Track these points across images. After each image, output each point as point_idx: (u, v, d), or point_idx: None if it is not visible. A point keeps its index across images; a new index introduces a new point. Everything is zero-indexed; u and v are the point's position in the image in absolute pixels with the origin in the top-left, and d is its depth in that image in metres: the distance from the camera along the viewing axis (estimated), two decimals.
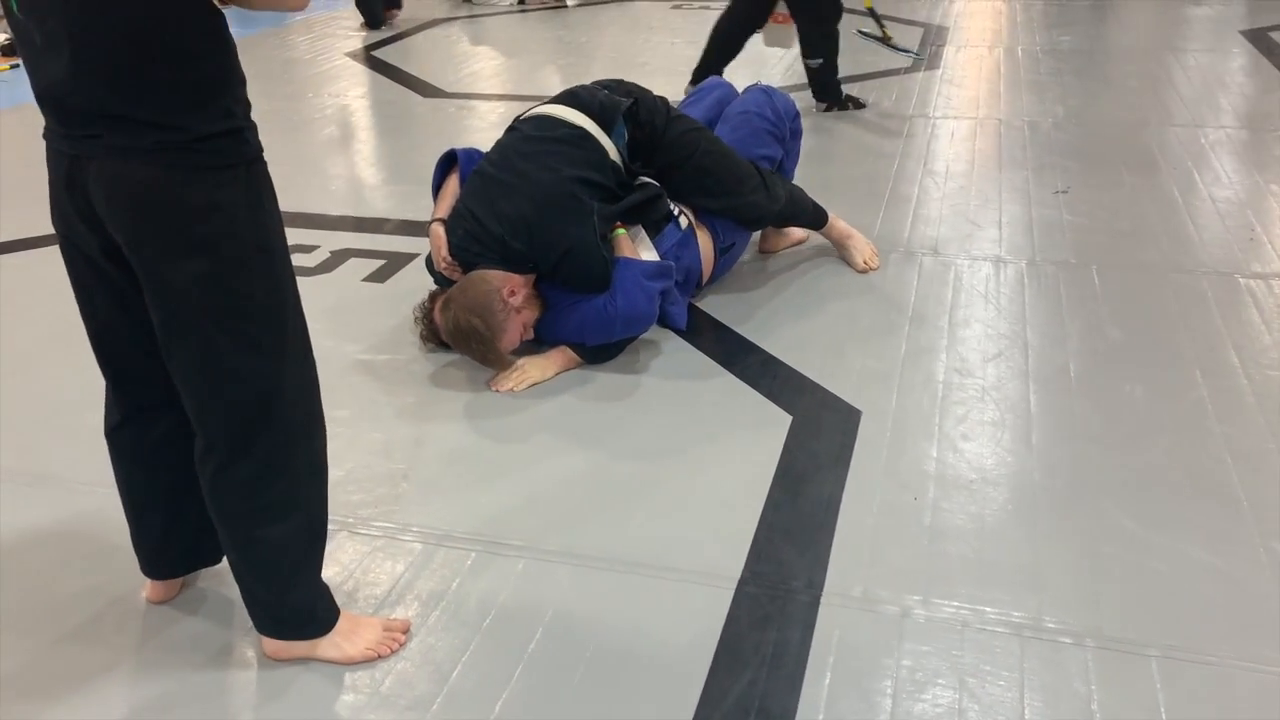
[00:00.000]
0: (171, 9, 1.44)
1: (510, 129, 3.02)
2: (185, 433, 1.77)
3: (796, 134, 3.39)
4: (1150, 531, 2.11)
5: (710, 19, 5.27)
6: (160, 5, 1.44)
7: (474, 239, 2.79)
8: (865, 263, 3.29)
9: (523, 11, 7.83)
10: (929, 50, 6.10)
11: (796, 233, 3.43)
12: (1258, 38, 6.10)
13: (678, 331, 2.95)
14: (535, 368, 2.75)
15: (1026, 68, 5.65)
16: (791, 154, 3.41)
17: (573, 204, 2.77)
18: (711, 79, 3.62)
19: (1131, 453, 2.37)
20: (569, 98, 3.00)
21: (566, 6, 7.90)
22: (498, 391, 2.71)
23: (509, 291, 2.70)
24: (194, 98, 1.49)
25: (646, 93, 3.04)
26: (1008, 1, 7.40)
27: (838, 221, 3.34)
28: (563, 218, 2.75)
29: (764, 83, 3.47)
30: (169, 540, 1.93)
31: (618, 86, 3.04)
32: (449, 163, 3.07)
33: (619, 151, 2.91)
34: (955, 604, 1.94)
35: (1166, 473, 2.30)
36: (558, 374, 2.77)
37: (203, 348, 1.61)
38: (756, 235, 3.39)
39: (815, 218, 3.29)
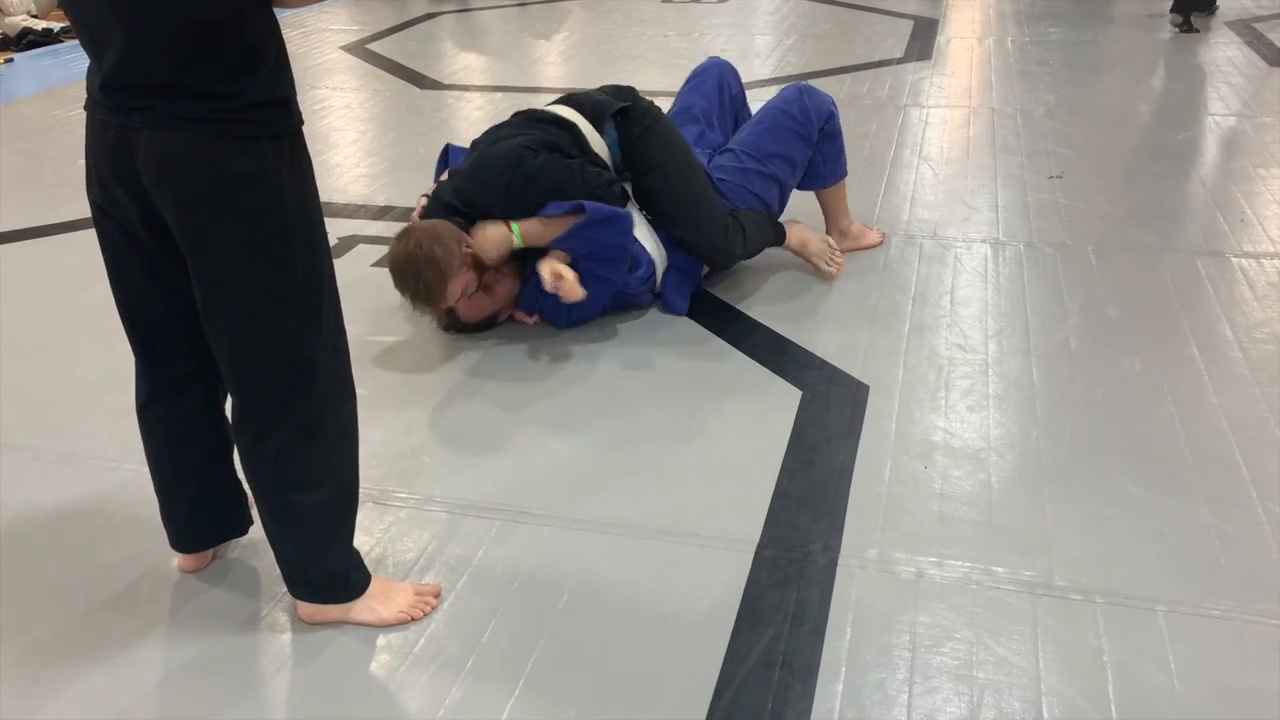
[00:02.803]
0: None
1: (513, 119, 3.09)
2: (214, 407, 1.82)
3: (830, 136, 3.25)
4: (1153, 495, 2.18)
5: (701, 13, 5.32)
6: None
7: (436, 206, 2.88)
8: (828, 265, 3.20)
9: (502, 6, 7.86)
10: (919, 42, 6.17)
11: (861, 233, 3.43)
12: (1243, 28, 6.19)
13: (679, 314, 3.01)
14: (558, 260, 2.74)
15: (1017, 58, 5.73)
16: (827, 157, 3.26)
17: (517, 151, 2.81)
18: (710, 59, 3.64)
19: (1133, 422, 2.44)
20: (565, 98, 3.06)
21: None
22: (566, 297, 2.71)
23: (466, 244, 2.73)
24: (246, 64, 1.54)
25: (643, 101, 3.06)
26: None
27: (792, 232, 3.23)
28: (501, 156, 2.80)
29: (805, 84, 3.34)
30: (198, 513, 1.97)
31: (618, 92, 3.08)
32: (446, 156, 3.17)
33: (609, 149, 2.96)
34: (968, 564, 2.01)
35: (1167, 440, 2.37)
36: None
37: (244, 313, 1.66)
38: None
39: (775, 241, 3.23)
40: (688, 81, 3.56)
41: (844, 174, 3.33)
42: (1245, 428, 2.39)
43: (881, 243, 3.43)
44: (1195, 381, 2.58)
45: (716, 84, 3.44)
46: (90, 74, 1.61)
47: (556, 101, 3.07)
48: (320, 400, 1.75)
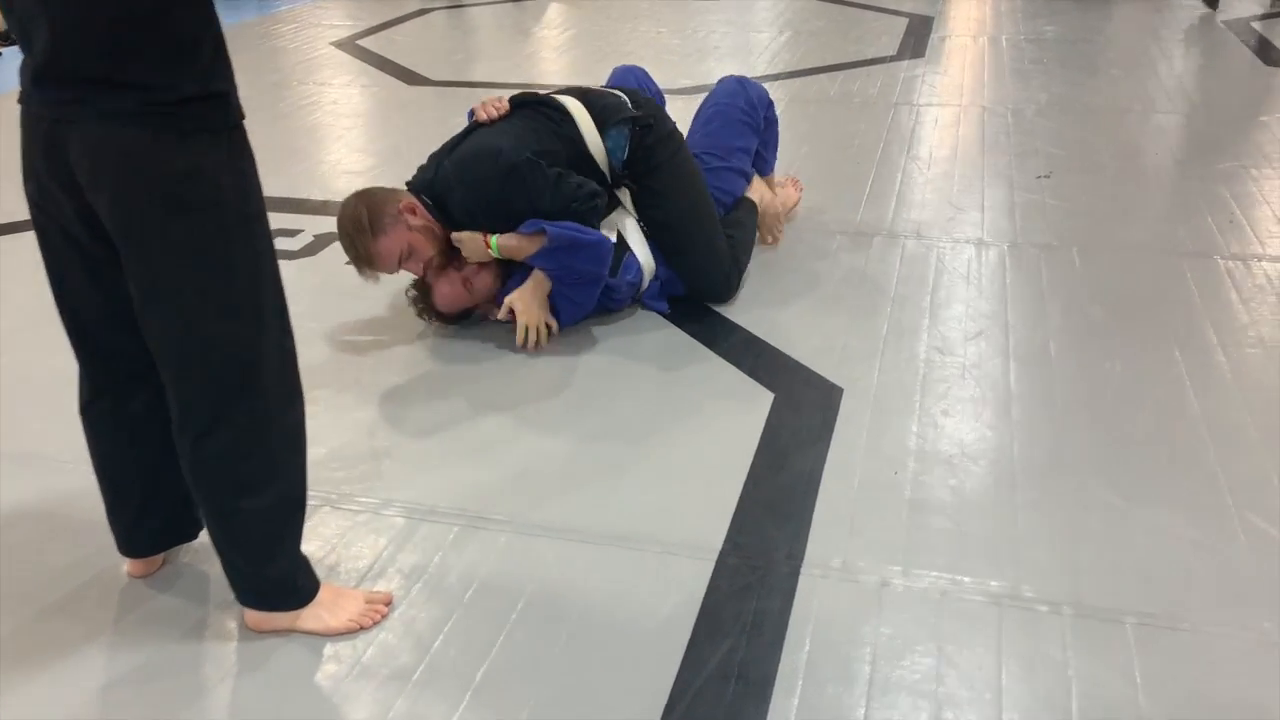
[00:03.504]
0: None
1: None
2: (159, 408, 1.77)
3: (772, 122, 3.42)
4: (1128, 503, 2.13)
5: (695, 9, 5.27)
6: None
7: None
8: (770, 237, 3.33)
9: (497, 2, 7.80)
10: (913, 39, 6.11)
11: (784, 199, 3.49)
12: (1239, 27, 6.13)
13: (661, 313, 2.96)
14: (532, 308, 2.75)
15: (1011, 56, 5.67)
16: (770, 143, 3.43)
17: (504, 145, 2.77)
18: (621, 66, 3.57)
19: (1111, 427, 2.39)
20: (576, 90, 3.01)
21: None
22: (529, 351, 2.76)
23: (407, 206, 2.74)
24: (179, 56, 1.49)
25: (668, 124, 3.01)
26: None
27: (751, 189, 3.28)
28: (487, 155, 2.76)
29: (737, 74, 3.46)
30: (145, 518, 1.93)
31: (637, 102, 3.01)
32: None
33: (607, 153, 2.89)
34: (934, 574, 1.96)
35: (1145, 447, 2.32)
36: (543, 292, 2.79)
37: (182, 314, 1.61)
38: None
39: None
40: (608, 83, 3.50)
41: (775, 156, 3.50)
42: (1224, 435, 2.34)
43: (800, 196, 3.59)
44: (1176, 386, 2.53)
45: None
46: (23, 67, 1.56)
47: (566, 91, 3.01)
48: (264, 403, 1.70)
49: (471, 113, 3.08)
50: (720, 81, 3.42)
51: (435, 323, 2.93)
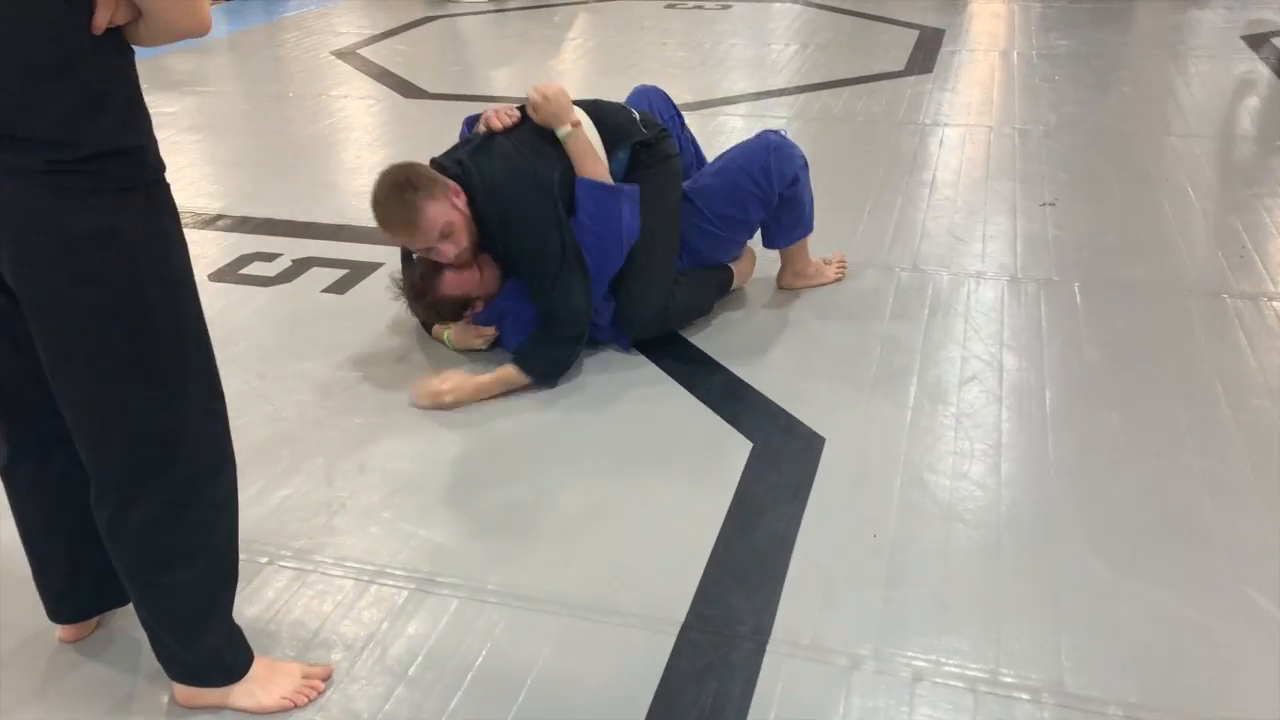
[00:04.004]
0: (55, 24, 1.34)
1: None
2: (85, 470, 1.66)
3: (791, 202, 2.96)
4: (1119, 575, 2.00)
5: (702, 20, 5.16)
6: (42, 21, 1.33)
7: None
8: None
9: (500, 11, 7.70)
10: (922, 54, 5.98)
11: (817, 272, 3.22)
12: (1259, 43, 5.96)
13: (623, 348, 2.86)
14: (464, 388, 2.64)
15: (1021, 72, 5.53)
16: (784, 224, 3.01)
17: (536, 182, 2.69)
18: (640, 87, 3.39)
19: (1104, 486, 2.26)
20: (589, 104, 2.89)
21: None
22: (415, 403, 2.64)
23: (455, 189, 2.65)
24: (85, 110, 1.38)
25: (667, 145, 2.90)
26: (1006, 3, 7.28)
27: (738, 274, 3.12)
28: (524, 191, 2.68)
29: (782, 133, 3.02)
30: (73, 582, 1.83)
31: (647, 122, 2.92)
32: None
33: (610, 173, 2.80)
34: (909, 654, 1.83)
35: (1139, 510, 2.19)
36: (492, 395, 2.65)
37: (95, 382, 1.51)
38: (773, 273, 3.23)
39: (720, 295, 3.06)
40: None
41: (804, 235, 3.09)
42: (1227, 498, 2.21)
43: (839, 279, 3.23)
44: (1175, 442, 2.40)
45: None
46: None
47: (584, 103, 2.88)
48: (188, 472, 1.60)
49: (469, 120, 2.98)
50: (758, 135, 3.01)
51: (423, 316, 2.87)
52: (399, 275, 2.91)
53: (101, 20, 1.35)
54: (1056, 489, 2.26)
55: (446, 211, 2.62)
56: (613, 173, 2.81)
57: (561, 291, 2.65)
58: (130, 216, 1.46)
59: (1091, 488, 2.26)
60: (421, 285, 2.79)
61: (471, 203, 2.68)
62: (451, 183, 2.66)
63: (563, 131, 2.72)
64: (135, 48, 1.44)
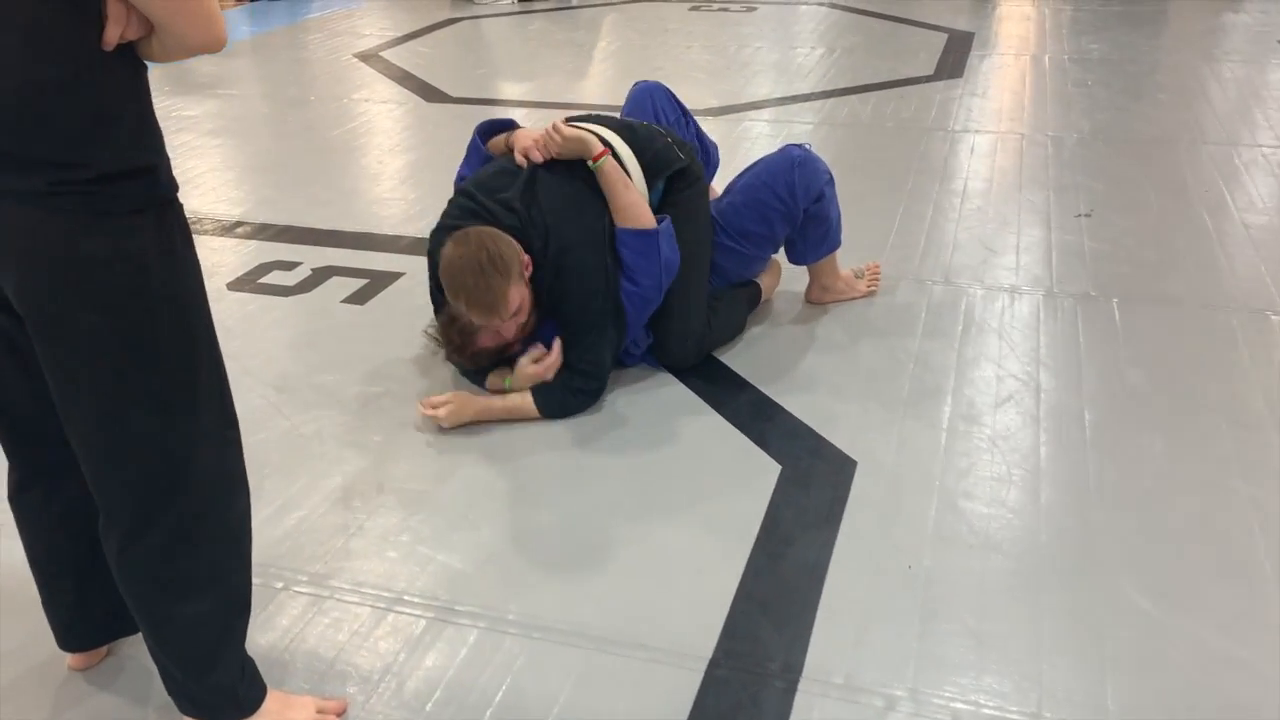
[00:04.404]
0: (64, 39, 1.28)
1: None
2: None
3: (817, 219, 2.89)
4: (1165, 612, 1.92)
5: (726, 22, 5.09)
6: (50, 36, 1.27)
7: (473, 216, 2.61)
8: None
9: (524, 13, 7.64)
10: (951, 58, 5.88)
11: (847, 286, 3.13)
12: None
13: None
14: (464, 412, 2.55)
15: (1053, 78, 5.43)
16: (810, 240, 2.94)
17: (590, 235, 2.61)
18: (641, 83, 3.30)
19: (1148, 516, 2.18)
20: (627, 132, 2.78)
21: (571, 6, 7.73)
22: (424, 413, 2.54)
23: (527, 263, 2.52)
24: (94, 130, 1.33)
25: (696, 167, 2.83)
26: (1036, 6, 7.17)
27: (765, 288, 3.07)
28: (581, 242, 2.59)
29: (806, 147, 2.94)
30: (83, 611, 1.77)
31: (681, 145, 2.84)
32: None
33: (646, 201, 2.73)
34: (946, 695, 1.76)
35: (1186, 542, 2.10)
36: (494, 420, 2.58)
37: (103, 409, 1.45)
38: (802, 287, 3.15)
39: (750, 309, 3.00)
40: (625, 107, 3.26)
41: (830, 250, 3.01)
42: (1275, 527, 2.12)
43: (872, 293, 3.15)
44: (1221, 468, 2.31)
45: (652, 116, 3.14)
46: None
47: (612, 127, 2.78)
48: (198, 501, 1.54)
49: (482, 130, 2.88)
50: (781, 150, 2.93)
51: (464, 367, 2.71)
52: (433, 328, 2.76)
53: (112, 36, 1.30)
54: (1098, 518, 2.17)
55: (522, 291, 2.49)
56: (650, 203, 2.73)
57: (593, 346, 2.59)
58: (141, 239, 1.40)
59: (1134, 517, 2.18)
60: (460, 341, 2.63)
61: (528, 250, 2.56)
62: (524, 255, 2.52)
63: (593, 164, 2.61)
64: (148, 64, 1.39)
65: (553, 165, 2.65)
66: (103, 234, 1.37)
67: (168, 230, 1.44)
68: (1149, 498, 2.23)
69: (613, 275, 2.60)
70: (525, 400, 2.59)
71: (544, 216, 2.57)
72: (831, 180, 2.93)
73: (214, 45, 1.36)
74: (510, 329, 2.56)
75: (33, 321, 1.41)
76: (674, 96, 3.27)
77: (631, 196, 2.62)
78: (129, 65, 1.36)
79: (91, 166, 1.33)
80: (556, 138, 2.61)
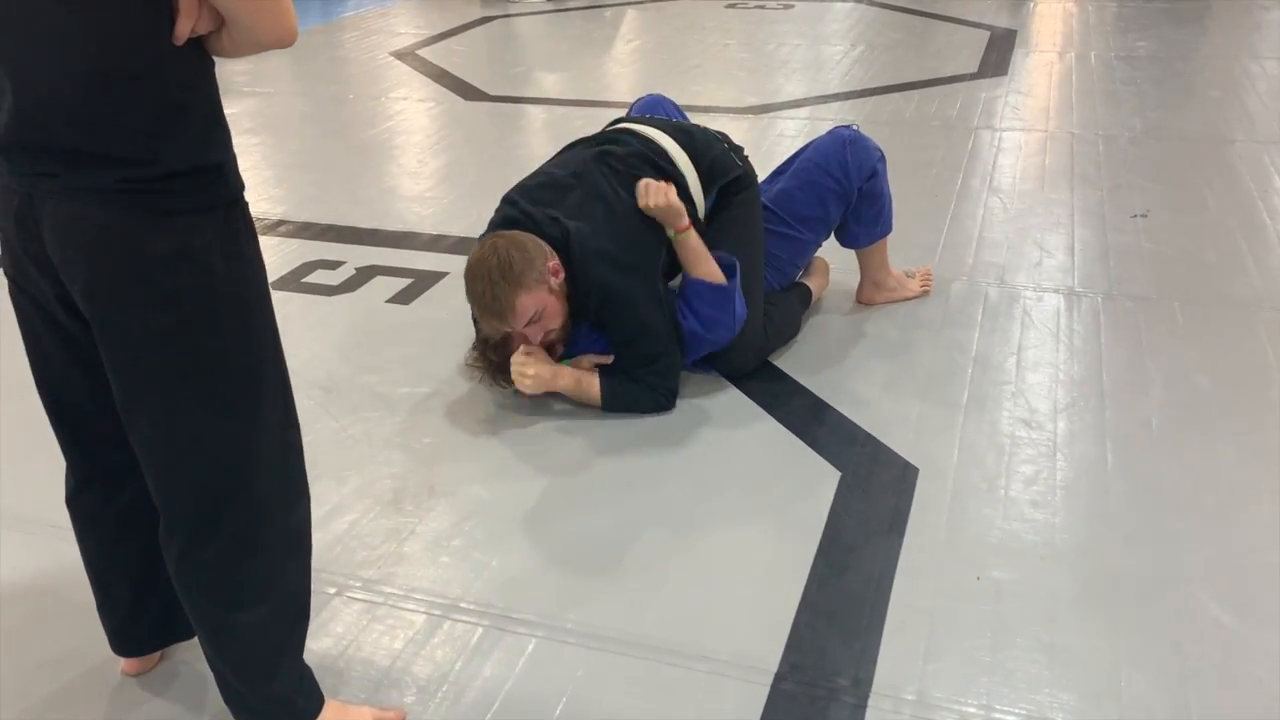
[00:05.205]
0: (134, 32, 1.25)
1: (601, 138, 2.77)
2: (152, 500, 1.57)
3: (870, 196, 2.85)
4: (1247, 627, 1.85)
5: (764, 20, 5.03)
6: (120, 28, 1.24)
7: (514, 225, 2.57)
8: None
9: (559, 11, 7.60)
10: (994, 55, 5.80)
11: (899, 285, 3.07)
12: None
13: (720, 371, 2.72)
14: (550, 371, 2.53)
15: (1100, 75, 5.34)
16: (864, 219, 2.89)
17: (644, 242, 2.56)
18: (647, 95, 3.29)
19: (1223, 527, 2.11)
20: (684, 136, 2.73)
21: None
22: (519, 372, 2.51)
23: (555, 268, 2.46)
24: (164, 125, 1.29)
25: (750, 170, 2.78)
26: (1079, 4, 7.06)
27: (814, 288, 3.02)
28: (627, 267, 2.53)
29: (854, 127, 2.93)
30: (138, 615, 1.74)
31: (735, 149, 2.80)
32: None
33: (700, 210, 2.69)
34: (1022, 710, 1.70)
35: (1264, 553, 2.03)
36: (562, 390, 2.56)
37: (166, 411, 1.42)
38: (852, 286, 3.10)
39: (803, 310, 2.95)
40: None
41: (884, 233, 2.96)
42: None
43: (925, 294, 3.09)
44: None
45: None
46: None
47: (668, 132, 2.73)
48: (259, 507, 1.50)
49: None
50: (830, 131, 2.92)
51: (502, 384, 2.65)
52: (472, 358, 2.72)
53: (184, 29, 1.26)
54: (1170, 529, 2.11)
55: (539, 297, 2.43)
56: (704, 209, 2.69)
57: (661, 374, 2.55)
58: (207, 238, 1.36)
59: (1209, 529, 2.11)
60: (497, 361, 2.61)
61: (567, 264, 2.50)
62: (552, 257, 2.47)
63: (675, 234, 2.57)
64: (216, 59, 1.35)
65: (619, 191, 2.60)
66: (170, 233, 1.33)
67: (234, 230, 1.40)
68: (1224, 509, 2.16)
69: (667, 304, 2.57)
70: (596, 386, 2.55)
71: (592, 245, 2.50)
72: (883, 157, 2.90)
73: (286, 40, 1.32)
74: (535, 334, 2.51)
75: (98, 321, 1.38)
76: (679, 109, 3.25)
77: (709, 267, 2.57)
78: (198, 60, 1.32)
79: (159, 163, 1.30)
80: (661, 199, 2.53)
